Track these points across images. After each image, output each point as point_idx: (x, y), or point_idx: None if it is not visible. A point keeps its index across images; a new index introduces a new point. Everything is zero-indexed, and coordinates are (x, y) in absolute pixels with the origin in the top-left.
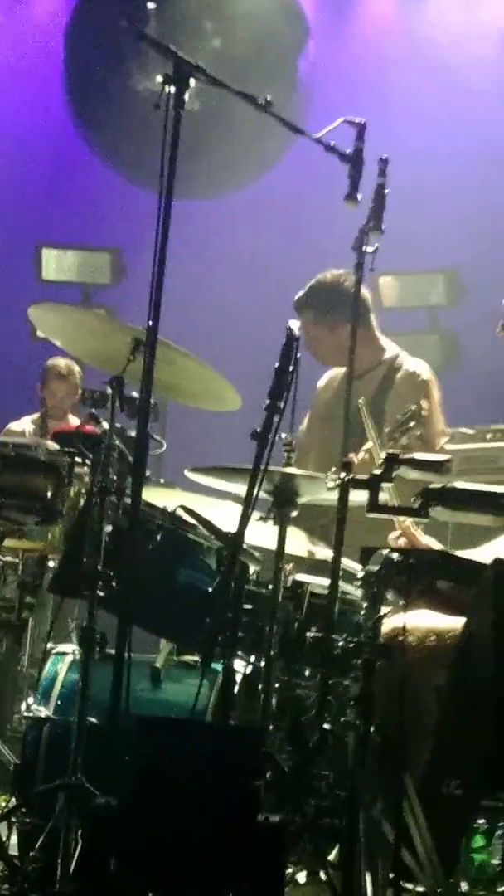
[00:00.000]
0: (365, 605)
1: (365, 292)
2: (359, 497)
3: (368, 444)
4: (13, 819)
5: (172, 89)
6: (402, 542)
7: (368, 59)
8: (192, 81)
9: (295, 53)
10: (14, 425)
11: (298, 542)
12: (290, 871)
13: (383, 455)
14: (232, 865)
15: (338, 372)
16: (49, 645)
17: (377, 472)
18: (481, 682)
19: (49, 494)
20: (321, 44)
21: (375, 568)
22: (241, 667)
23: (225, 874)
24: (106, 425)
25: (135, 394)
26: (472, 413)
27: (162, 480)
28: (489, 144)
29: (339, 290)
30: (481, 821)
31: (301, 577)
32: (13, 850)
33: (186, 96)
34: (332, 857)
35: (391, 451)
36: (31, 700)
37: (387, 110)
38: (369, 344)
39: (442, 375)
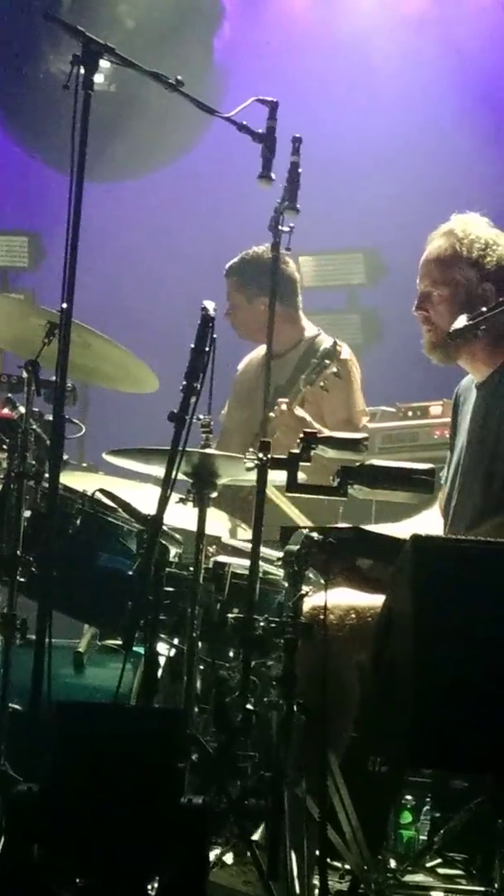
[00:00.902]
0: (286, 584)
1: (295, 273)
2: (278, 477)
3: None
4: None
5: (82, 70)
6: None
7: (284, 39)
8: (102, 62)
9: (209, 34)
10: None
11: (220, 524)
12: (216, 852)
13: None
14: (157, 848)
15: (257, 353)
16: None
17: (295, 451)
18: (402, 659)
19: None
20: (236, 25)
21: (295, 547)
22: (164, 650)
23: (150, 857)
24: (23, 410)
25: (52, 377)
26: (392, 391)
27: (84, 464)
28: (406, 125)
29: (263, 264)
30: (409, 797)
31: (222, 558)
32: None
33: (99, 77)
34: (258, 837)
35: (309, 430)
36: None
37: (304, 91)
38: (291, 323)
39: (363, 354)
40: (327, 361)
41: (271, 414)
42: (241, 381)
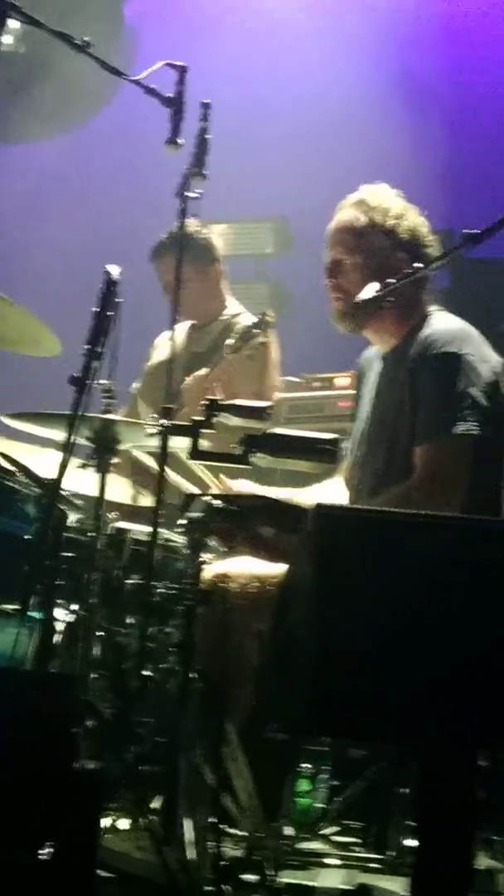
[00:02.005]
0: (187, 551)
1: (214, 242)
2: (180, 443)
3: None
4: None
5: None
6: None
7: (196, 5)
8: (11, 22)
9: None
10: None
11: (121, 489)
12: (111, 818)
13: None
14: (49, 814)
15: (180, 328)
16: None
17: (198, 418)
18: (302, 628)
19: None
20: None
21: (197, 514)
22: (62, 615)
23: (42, 823)
24: None
25: None
26: (299, 362)
27: None
28: (317, 95)
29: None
30: (307, 765)
31: (122, 524)
32: None
33: (7, 38)
34: (153, 804)
35: (212, 397)
36: None
37: (215, 58)
38: (212, 297)
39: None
40: (256, 331)
41: (183, 385)
42: (155, 353)
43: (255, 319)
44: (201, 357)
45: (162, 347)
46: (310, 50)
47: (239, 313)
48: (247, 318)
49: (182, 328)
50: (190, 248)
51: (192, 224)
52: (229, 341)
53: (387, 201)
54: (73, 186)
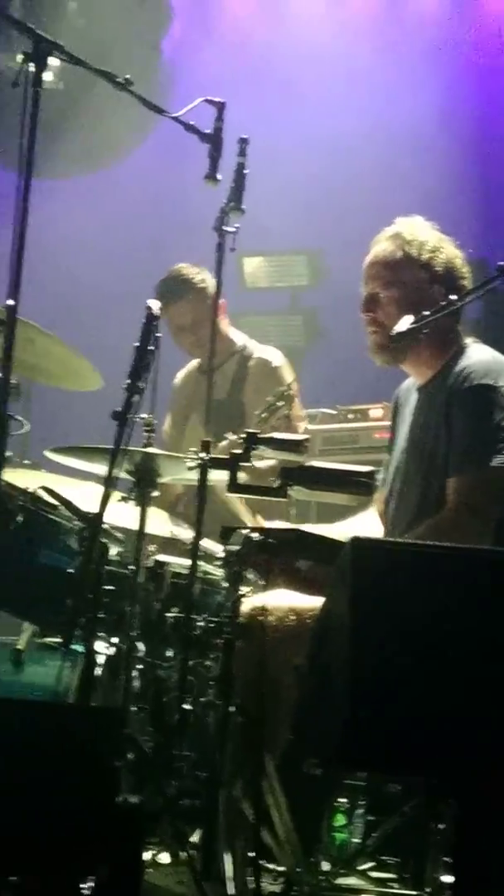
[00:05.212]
0: (225, 585)
1: (209, 280)
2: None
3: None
4: None
5: (32, 67)
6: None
7: (232, 40)
8: (53, 60)
9: (158, 35)
10: None
11: (161, 523)
12: (151, 852)
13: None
14: (91, 847)
15: (192, 367)
16: None
17: (237, 451)
18: (337, 661)
19: None
20: (185, 25)
21: (235, 547)
22: (103, 648)
23: (84, 856)
24: None
25: None
26: (333, 394)
27: (27, 461)
28: (351, 128)
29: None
30: (343, 800)
31: (162, 557)
32: None
33: (48, 75)
34: (193, 837)
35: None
36: None
37: (250, 91)
38: (222, 336)
39: (305, 356)
40: (280, 404)
41: (223, 443)
42: (182, 394)
43: (266, 356)
44: (224, 404)
45: (182, 389)
46: (346, 84)
47: (245, 345)
48: (257, 349)
49: (191, 370)
50: (195, 291)
51: (184, 267)
52: (257, 414)
53: (422, 234)
54: (111, 221)
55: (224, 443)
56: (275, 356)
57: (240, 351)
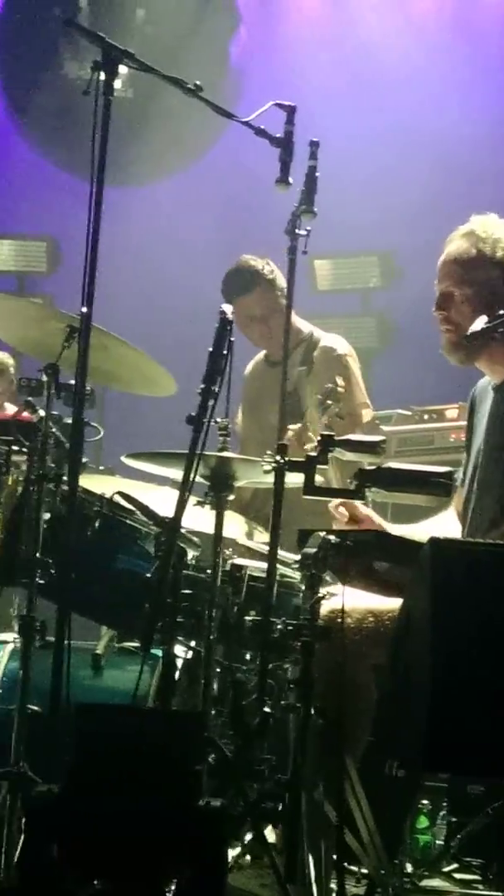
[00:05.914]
0: (303, 587)
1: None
2: (295, 479)
3: (296, 426)
4: None
5: (102, 76)
6: (342, 510)
7: (300, 43)
8: (121, 68)
9: (226, 39)
10: None
11: (237, 527)
12: (233, 855)
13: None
14: (175, 851)
15: (260, 359)
16: None
17: (313, 454)
18: (419, 662)
19: None
20: (252, 29)
21: (313, 550)
22: (181, 652)
23: (168, 860)
24: (42, 413)
25: (71, 381)
26: (408, 395)
27: (102, 467)
28: (422, 127)
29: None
30: (425, 801)
31: (239, 560)
32: None
33: (117, 83)
34: (275, 840)
35: (325, 433)
36: None
37: (319, 93)
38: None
39: (378, 358)
40: (329, 402)
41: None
42: (251, 387)
43: (331, 343)
44: (293, 395)
45: (252, 381)
46: (416, 84)
47: (311, 332)
48: (324, 337)
49: (259, 361)
50: (266, 282)
51: (251, 259)
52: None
53: (497, 232)
54: (184, 226)
55: (289, 434)
56: (339, 344)
57: (307, 339)
